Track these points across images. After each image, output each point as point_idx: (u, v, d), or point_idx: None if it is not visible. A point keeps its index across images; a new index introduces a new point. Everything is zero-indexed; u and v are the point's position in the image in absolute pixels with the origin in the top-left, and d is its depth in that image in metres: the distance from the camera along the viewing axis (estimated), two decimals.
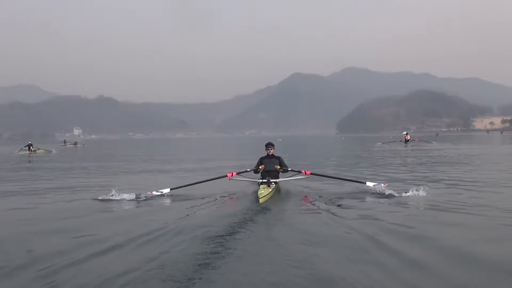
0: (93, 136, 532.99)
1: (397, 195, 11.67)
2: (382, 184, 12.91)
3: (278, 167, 13.49)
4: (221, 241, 7.19)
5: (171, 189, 13.40)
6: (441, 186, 14.24)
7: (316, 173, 14.48)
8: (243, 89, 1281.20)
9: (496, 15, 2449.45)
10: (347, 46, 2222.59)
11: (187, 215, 9.89)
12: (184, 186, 13.92)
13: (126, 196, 12.47)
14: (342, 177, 15.27)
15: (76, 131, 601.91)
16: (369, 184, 13.08)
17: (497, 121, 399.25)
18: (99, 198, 12.26)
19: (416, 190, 11.79)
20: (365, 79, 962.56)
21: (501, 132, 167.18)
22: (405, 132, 66.54)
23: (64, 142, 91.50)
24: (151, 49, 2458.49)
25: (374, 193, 12.40)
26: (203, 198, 12.29)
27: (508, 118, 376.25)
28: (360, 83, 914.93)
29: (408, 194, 11.77)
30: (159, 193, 13.11)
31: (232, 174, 13.76)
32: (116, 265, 6.05)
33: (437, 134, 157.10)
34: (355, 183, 13.88)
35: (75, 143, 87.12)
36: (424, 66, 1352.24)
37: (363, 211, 9.86)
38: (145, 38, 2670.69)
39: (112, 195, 12.43)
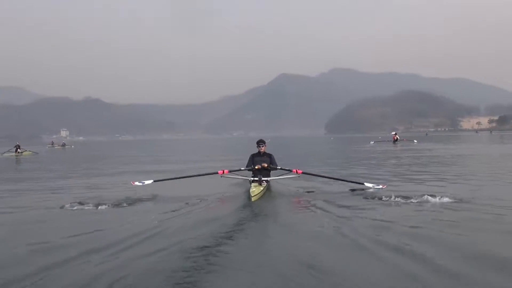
0: (80, 138, 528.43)
1: (395, 198, 10.90)
2: (381, 186, 12.89)
3: (266, 165, 13.16)
4: (215, 243, 6.91)
5: (154, 181, 13.34)
6: (443, 185, 14.03)
7: (308, 172, 14.33)
8: (231, 90, 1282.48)
9: (482, 16, 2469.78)
10: (334, 46, 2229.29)
11: (178, 215, 9.52)
12: (169, 179, 14.10)
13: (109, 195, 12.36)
14: (336, 177, 15.06)
15: (63, 133, 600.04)
16: (368, 185, 12.90)
17: (484, 121, 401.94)
18: (73, 204, 11.03)
19: (418, 197, 10.87)
20: (353, 80, 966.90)
21: (490, 132, 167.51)
22: (394, 132, 67.53)
23: (52, 144, 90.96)
24: (138, 50, 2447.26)
25: (366, 193, 12.10)
26: (194, 197, 11.92)
27: (495, 118, 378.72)
28: (347, 83, 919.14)
29: (409, 199, 10.85)
30: (140, 184, 13.05)
31: (223, 172, 13.33)
32: (97, 271, 5.61)
33: (426, 134, 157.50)
34: (350, 183, 13.63)
35: (63, 145, 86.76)
36: (411, 66, 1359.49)
37: (359, 211, 9.58)
38: (133, 39, 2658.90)
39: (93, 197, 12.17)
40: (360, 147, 52.46)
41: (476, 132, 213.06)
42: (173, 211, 9.96)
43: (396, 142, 57.78)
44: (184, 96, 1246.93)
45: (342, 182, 14.14)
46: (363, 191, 12.43)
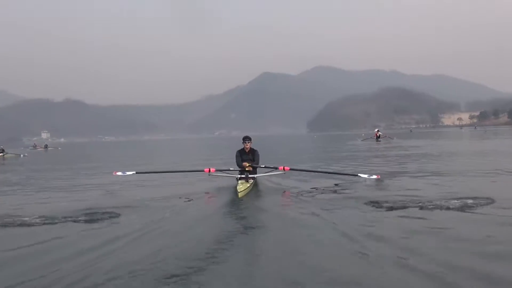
0: (62, 139, 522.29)
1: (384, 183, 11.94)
2: (375, 176, 13.03)
3: (247, 164, 13.13)
4: (204, 240, 6.89)
5: (136, 173, 14.09)
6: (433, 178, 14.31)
7: (296, 168, 14.51)
8: (213, 89, 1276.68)
9: (461, 14, 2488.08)
10: (316, 44, 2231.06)
11: (163, 215, 9.25)
12: (151, 172, 15.02)
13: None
14: (325, 171, 15.75)
15: (44, 135, 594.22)
16: (363, 175, 13.19)
17: (465, 117, 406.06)
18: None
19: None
20: (335, 78, 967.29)
21: (475, 128, 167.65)
22: (377, 129, 67.53)
23: (34, 146, 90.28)
24: (120, 51, 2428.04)
25: (352, 185, 12.66)
26: (179, 195, 12.00)
27: (476, 113, 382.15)
28: (329, 81, 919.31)
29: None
30: (122, 174, 13.80)
31: (209, 170, 13.57)
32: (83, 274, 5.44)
33: (411, 131, 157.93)
34: (343, 175, 14.37)
35: (46, 147, 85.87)
36: (393, 63, 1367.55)
37: (350, 203, 9.83)
38: (114, 39, 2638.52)
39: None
40: (344, 145, 52.39)
41: (461, 128, 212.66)
42: (161, 209, 9.83)
43: (378, 139, 58.31)
44: (166, 96, 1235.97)
45: (331, 175, 14.64)
46: (349, 183, 12.93)
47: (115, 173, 13.69)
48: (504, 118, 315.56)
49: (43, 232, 7.95)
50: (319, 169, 15.98)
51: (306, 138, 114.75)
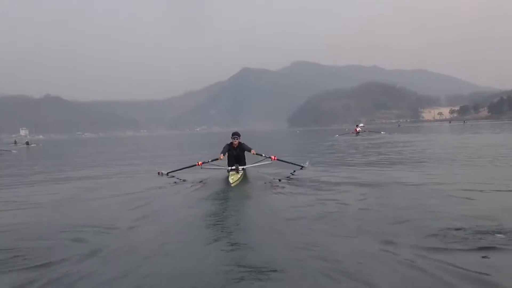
0: (41, 136, 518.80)
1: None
2: (307, 163, 16.66)
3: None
4: (203, 224, 7.72)
5: (168, 173, 15.88)
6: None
7: (281, 159, 15.84)
8: (193, 86, 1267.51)
9: (442, 5, 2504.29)
10: (295, 40, 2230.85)
11: (165, 202, 10.45)
12: (175, 171, 15.95)
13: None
14: (296, 163, 16.50)
15: (23, 132, 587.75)
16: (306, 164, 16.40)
17: (445, 111, 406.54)
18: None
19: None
20: (315, 73, 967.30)
21: (464, 122, 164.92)
22: (357, 125, 68.87)
23: (15, 143, 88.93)
24: (99, 45, 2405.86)
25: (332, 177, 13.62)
26: (173, 186, 13.21)
27: (456, 108, 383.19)
28: (310, 76, 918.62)
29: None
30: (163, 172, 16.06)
31: (200, 163, 14.74)
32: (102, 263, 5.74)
33: (399, 125, 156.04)
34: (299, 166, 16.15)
35: (27, 143, 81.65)
36: (373, 58, 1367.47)
37: (330, 189, 11.12)
38: (92, 36, 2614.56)
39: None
40: (329, 140, 49.77)
41: (450, 122, 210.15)
42: (158, 199, 10.96)
43: (358, 134, 59.16)
44: (148, 92, 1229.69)
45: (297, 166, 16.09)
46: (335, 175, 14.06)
47: (160, 172, 16.12)
48: (484, 112, 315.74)
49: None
50: (301, 164, 16.64)
51: (288, 134, 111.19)
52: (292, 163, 16.30)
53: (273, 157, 14.86)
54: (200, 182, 13.78)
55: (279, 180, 13.34)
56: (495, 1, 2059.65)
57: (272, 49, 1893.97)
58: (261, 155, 14.56)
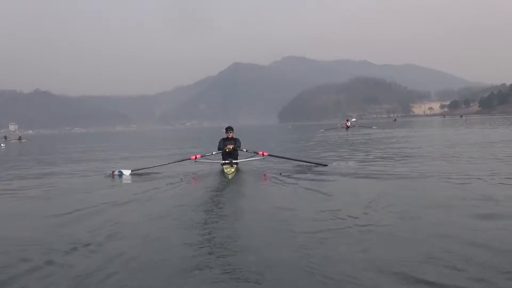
0: (30, 131, 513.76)
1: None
2: (324, 163, 15.25)
3: (231, 146, 14.66)
4: (205, 219, 7.81)
5: (132, 171, 14.73)
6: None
7: (273, 154, 16.21)
8: (183, 80, 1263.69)
9: (430, 3, 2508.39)
10: (285, 35, 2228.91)
11: (161, 196, 10.58)
12: (146, 168, 15.40)
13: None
14: (293, 158, 16.85)
15: (12, 127, 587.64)
16: (314, 163, 15.42)
17: (436, 106, 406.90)
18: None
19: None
20: (305, 68, 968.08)
21: (461, 116, 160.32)
22: (347, 119, 68.84)
23: (5, 138, 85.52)
24: (89, 41, 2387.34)
25: (324, 171, 13.97)
26: (170, 180, 13.06)
27: (447, 103, 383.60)
28: (300, 71, 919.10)
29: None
30: (118, 174, 14.47)
31: (196, 157, 15.12)
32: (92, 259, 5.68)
33: (395, 120, 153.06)
34: (305, 163, 15.78)
35: (20, 138, 79.37)
36: (362, 53, 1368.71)
37: (321, 185, 11.22)
38: (83, 28, 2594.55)
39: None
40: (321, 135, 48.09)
41: (443, 117, 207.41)
42: (154, 189, 11.32)
43: (348, 129, 58.95)
44: (137, 87, 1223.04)
45: (304, 163, 15.81)
46: (323, 170, 14.22)
47: (112, 173, 14.62)
48: (475, 107, 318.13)
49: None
50: (293, 157, 17.10)
51: (279, 129, 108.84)
52: (285, 158, 16.49)
53: (264, 153, 15.40)
54: (193, 174, 14.46)
55: (280, 174, 13.45)
56: None
57: (263, 44, 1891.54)
58: (253, 152, 15.27)
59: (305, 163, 15.70)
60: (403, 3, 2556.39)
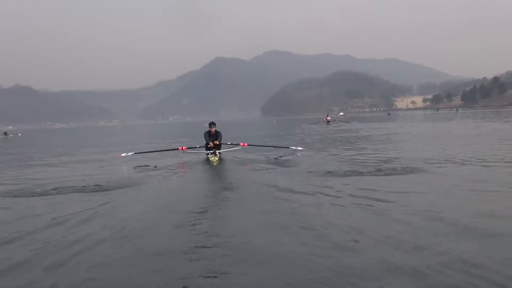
0: (10, 127, 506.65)
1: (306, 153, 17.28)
2: (300, 147, 18.43)
3: (217, 142, 16.37)
4: (200, 197, 9.04)
5: (135, 153, 18.12)
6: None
7: (252, 144, 18.80)
8: (165, 75, 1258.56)
9: None
10: (266, 29, 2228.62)
11: (155, 179, 11.94)
12: (146, 152, 18.67)
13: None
14: (272, 145, 20.66)
15: None
16: (292, 147, 18.44)
17: (418, 100, 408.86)
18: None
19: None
20: (288, 62, 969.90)
21: (457, 110, 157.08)
22: (327, 114, 71.47)
23: None
24: (69, 34, 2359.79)
25: (293, 154, 17.17)
26: (166, 168, 14.49)
27: (429, 96, 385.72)
28: (282, 66, 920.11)
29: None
30: (124, 155, 17.68)
31: (183, 148, 17.46)
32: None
33: (389, 114, 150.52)
34: (282, 148, 18.67)
35: (6, 134, 76.54)
36: (344, 47, 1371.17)
37: (291, 167, 13.48)
38: (64, 21, 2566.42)
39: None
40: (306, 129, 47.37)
41: (437, 110, 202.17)
42: (148, 175, 12.77)
43: (329, 123, 59.73)
44: (120, 81, 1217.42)
45: (276, 148, 18.89)
46: (290, 155, 16.88)
47: (119, 154, 17.87)
48: (457, 101, 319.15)
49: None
50: (268, 144, 21.15)
51: (264, 124, 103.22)
52: (267, 146, 20.06)
53: (245, 144, 17.53)
54: (185, 163, 16.24)
55: (275, 159, 15.53)
56: None
57: (245, 39, 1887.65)
58: (234, 144, 17.63)
59: (279, 148, 18.77)
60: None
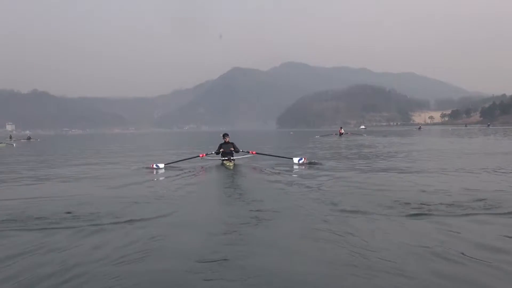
0: (27, 132, 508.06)
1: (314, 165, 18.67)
2: (303, 159, 19.41)
3: (232, 148, 19.00)
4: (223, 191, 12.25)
5: (165, 165, 18.85)
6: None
7: (260, 152, 21.72)
8: (182, 84, 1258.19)
9: (427, 10, 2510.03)
10: (285, 41, 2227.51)
11: (181, 184, 13.58)
12: (174, 162, 19.73)
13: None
14: (276, 155, 21.53)
15: (9, 127, 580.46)
16: (295, 159, 19.50)
17: (436, 115, 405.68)
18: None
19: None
20: (304, 74, 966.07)
21: (488, 126, 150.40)
22: (340, 127, 74.06)
23: (10, 138, 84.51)
24: (88, 43, 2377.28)
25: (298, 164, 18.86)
26: (188, 171, 17.26)
27: (448, 112, 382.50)
28: (299, 77, 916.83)
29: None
30: (156, 167, 18.46)
31: (202, 155, 20.06)
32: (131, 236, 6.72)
33: (419, 128, 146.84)
34: (286, 159, 19.92)
35: (29, 138, 78.09)
36: (361, 61, 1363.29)
37: (296, 175, 16.15)
38: (81, 30, 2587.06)
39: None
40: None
41: (465, 126, 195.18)
42: (176, 178, 15.22)
43: (342, 136, 62.59)
44: (136, 89, 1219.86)
45: (282, 158, 20.24)
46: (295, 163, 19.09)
47: (152, 166, 18.69)
48: (476, 117, 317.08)
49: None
50: (274, 154, 21.95)
51: (281, 135, 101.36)
52: (275, 156, 21.22)
53: (253, 152, 20.46)
54: (201, 167, 18.62)
55: (273, 168, 17.35)
56: (481, 9, 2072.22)
57: (262, 50, 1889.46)
58: (244, 151, 19.89)
59: (283, 158, 20.18)
60: (403, 12, 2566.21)
